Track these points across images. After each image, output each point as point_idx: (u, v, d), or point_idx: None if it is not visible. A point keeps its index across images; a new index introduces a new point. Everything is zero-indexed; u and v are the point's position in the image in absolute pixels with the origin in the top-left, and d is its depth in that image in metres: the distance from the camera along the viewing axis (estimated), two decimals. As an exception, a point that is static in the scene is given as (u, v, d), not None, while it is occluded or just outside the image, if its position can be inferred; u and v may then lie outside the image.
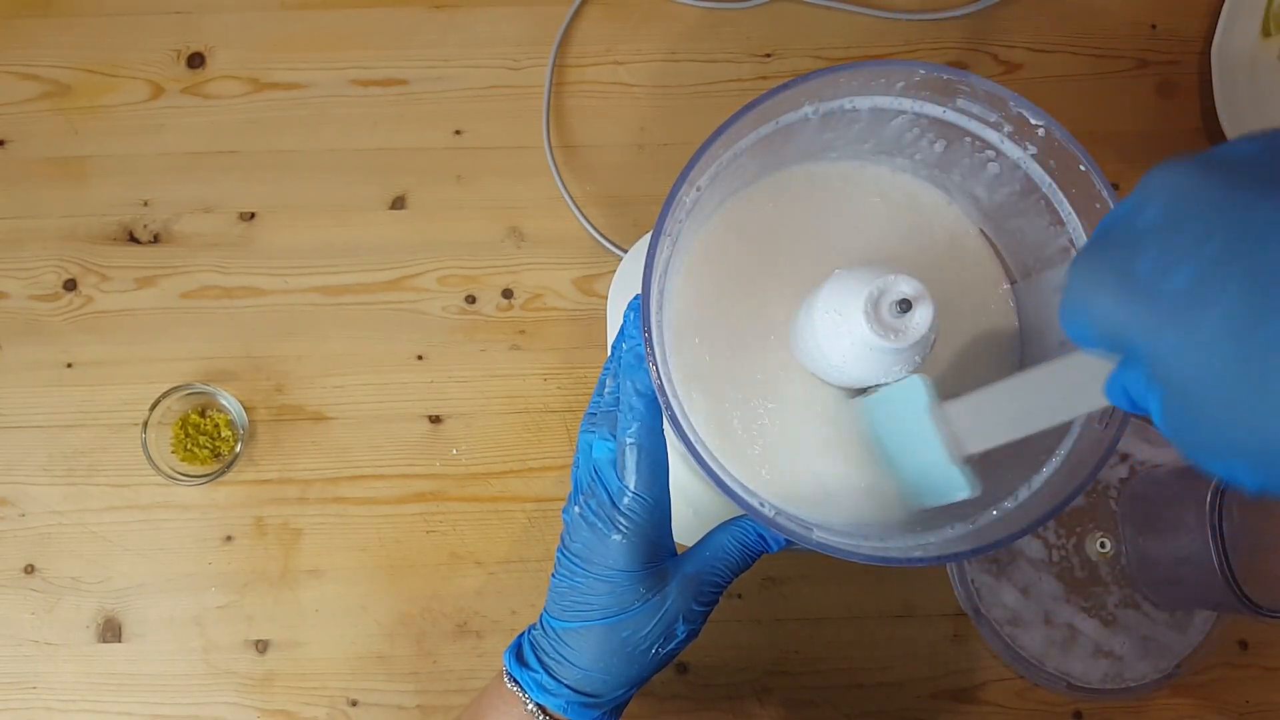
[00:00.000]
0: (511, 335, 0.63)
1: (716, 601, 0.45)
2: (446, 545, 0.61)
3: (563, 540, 0.45)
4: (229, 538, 0.61)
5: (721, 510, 0.50)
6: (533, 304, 0.64)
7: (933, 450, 0.40)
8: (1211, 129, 0.66)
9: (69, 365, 0.62)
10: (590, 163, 0.66)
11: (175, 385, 0.61)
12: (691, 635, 0.45)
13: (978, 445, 0.39)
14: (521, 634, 0.47)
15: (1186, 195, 0.26)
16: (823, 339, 0.40)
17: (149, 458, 0.59)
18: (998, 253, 0.47)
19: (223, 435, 0.61)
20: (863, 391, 0.43)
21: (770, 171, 0.46)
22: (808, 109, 0.43)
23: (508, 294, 0.64)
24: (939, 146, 0.45)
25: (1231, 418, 0.24)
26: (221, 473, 0.60)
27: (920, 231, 0.47)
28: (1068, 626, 0.60)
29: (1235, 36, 0.65)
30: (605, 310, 0.60)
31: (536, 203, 0.65)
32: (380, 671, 0.60)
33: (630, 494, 0.42)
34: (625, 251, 0.61)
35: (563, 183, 0.64)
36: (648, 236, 0.42)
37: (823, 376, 0.43)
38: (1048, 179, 0.43)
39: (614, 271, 0.59)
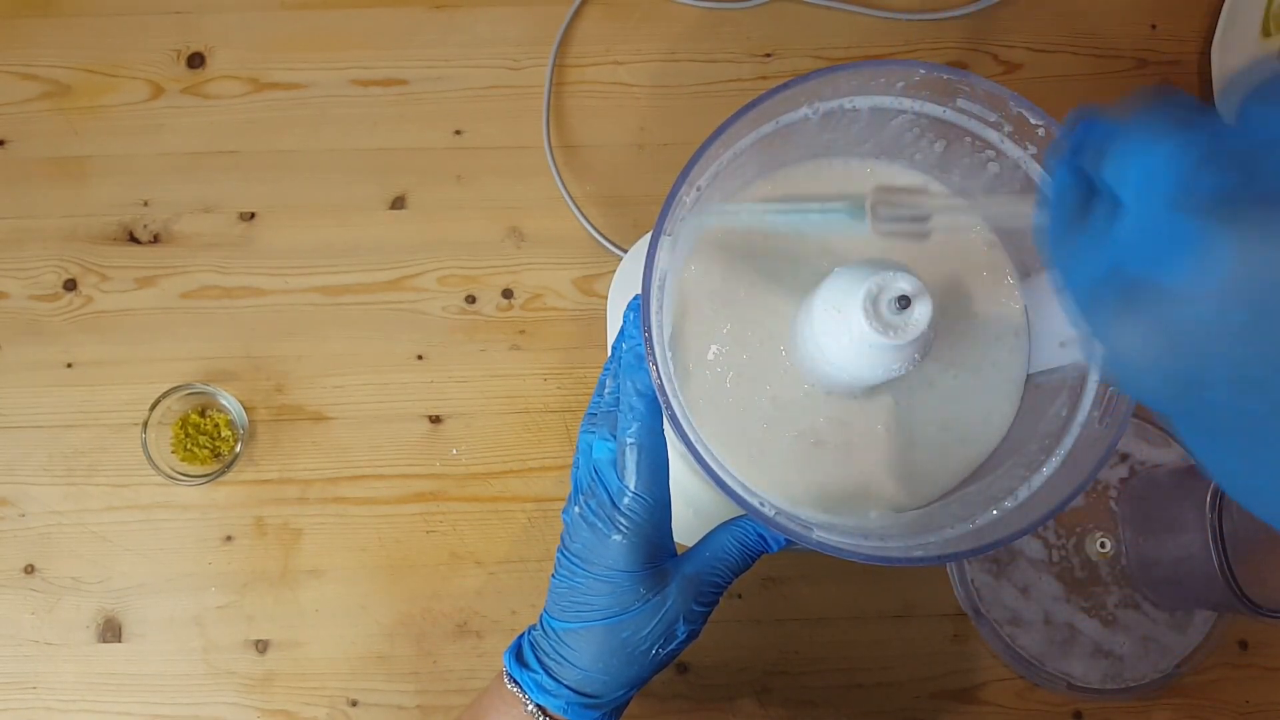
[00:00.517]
0: (511, 335, 0.63)
1: (717, 602, 0.45)
2: (446, 545, 0.61)
3: (563, 541, 0.45)
4: (229, 538, 0.61)
5: (721, 510, 0.50)
6: (533, 304, 0.64)
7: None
8: (1211, 129, 0.66)
9: (69, 365, 0.62)
10: (590, 163, 0.66)
11: (175, 385, 0.61)
12: (692, 636, 0.45)
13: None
14: (521, 634, 0.47)
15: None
16: (822, 336, 0.40)
17: (149, 458, 0.59)
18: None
19: (223, 435, 0.61)
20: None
21: (770, 172, 0.46)
22: (807, 109, 0.43)
23: (508, 294, 0.64)
24: (939, 146, 0.45)
25: None
26: (221, 473, 0.60)
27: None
28: (1068, 626, 0.60)
29: (1235, 36, 0.65)
30: (605, 310, 0.60)
31: (536, 203, 0.65)
32: (380, 671, 0.60)
33: (630, 494, 0.42)
34: (625, 251, 0.61)
35: (563, 183, 0.64)
36: (648, 236, 0.42)
37: (823, 374, 0.43)
38: (1048, 179, 0.43)
39: (614, 271, 0.59)
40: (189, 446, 0.61)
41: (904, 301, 0.38)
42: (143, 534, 0.61)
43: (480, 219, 0.65)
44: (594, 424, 0.45)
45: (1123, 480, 0.61)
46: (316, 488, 0.62)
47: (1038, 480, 0.41)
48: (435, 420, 0.63)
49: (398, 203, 0.65)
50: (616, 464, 0.43)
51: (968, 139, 0.44)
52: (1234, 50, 0.65)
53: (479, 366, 0.63)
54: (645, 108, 0.66)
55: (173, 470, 0.60)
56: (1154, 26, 0.68)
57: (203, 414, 0.62)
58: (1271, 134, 0.24)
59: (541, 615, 0.46)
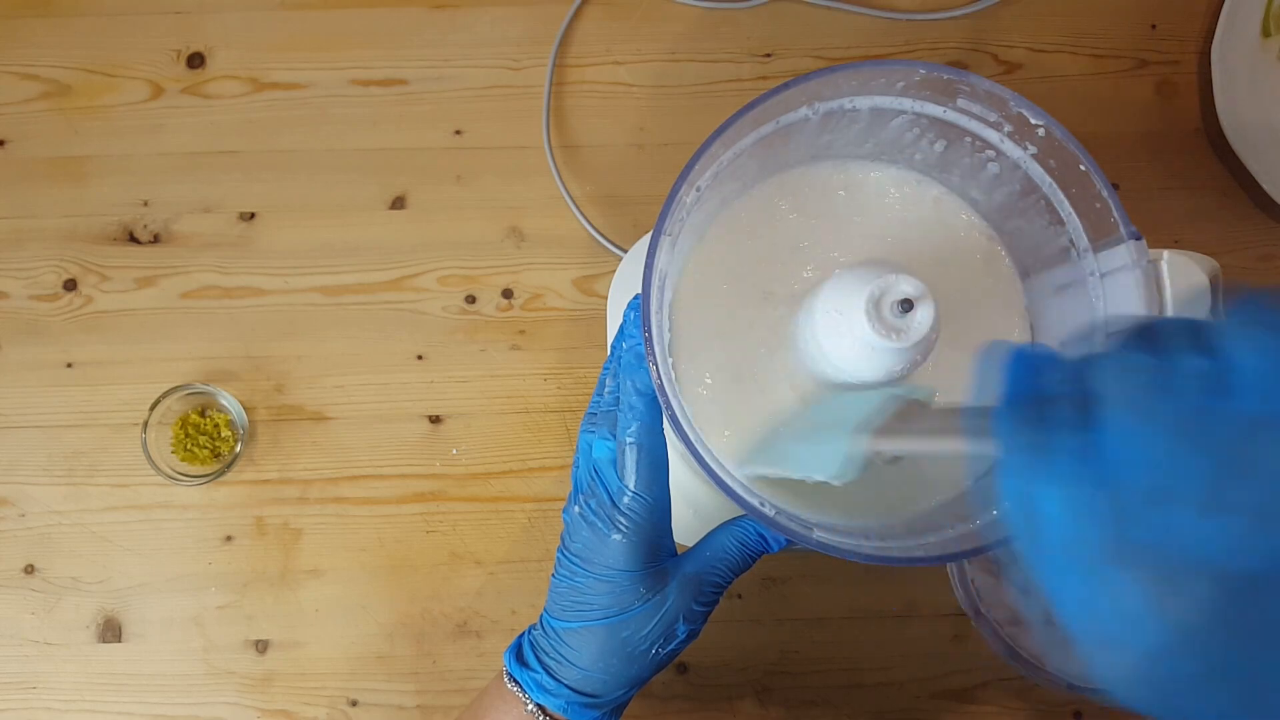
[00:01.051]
0: (511, 335, 0.63)
1: (717, 602, 0.45)
2: (446, 545, 0.61)
3: (563, 540, 0.45)
4: (229, 538, 0.61)
5: (721, 510, 0.50)
6: (533, 304, 0.64)
7: (849, 418, 0.38)
8: (1211, 129, 0.66)
9: (69, 365, 0.62)
10: (590, 163, 0.66)
11: (175, 385, 0.61)
12: (692, 635, 0.45)
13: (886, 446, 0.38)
14: (521, 634, 0.47)
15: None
16: (824, 339, 0.40)
17: (149, 458, 0.59)
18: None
19: (223, 435, 0.61)
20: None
21: (770, 172, 0.46)
22: (807, 109, 0.43)
23: (508, 294, 0.64)
24: (939, 146, 0.45)
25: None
26: (221, 473, 0.60)
27: (924, 230, 0.47)
28: (1068, 626, 0.60)
29: (1235, 36, 0.65)
30: (605, 310, 0.60)
31: (536, 203, 0.65)
32: (380, 671, 0.60)
33: (630, 494, 0.42)
34: (625, 251, 0.61)
35: (563, 183, 0.64)
36: (648, 236, 0.42)
37: (824, 376, 0.43)
38: (1048, 179, 0.43)
39: (614, 271, 0.59)
40: (189, 446, 0.61)
41: (906, 304, 0.38)
42: (143, 534, 0.61)
43: (480, 219, 0.65)
44: (594, 423, 0.45)
45: (1123, 480, 0.61)
46: (316, 488, 0.62)
47: (1038, 480, 0.41)
48: (435, 420, 0.63)
49: (398, 203, 0.65)
50: (616, 463, 0.43)
51: (968, 139, 0.44)
52: (1234, 50, 0.65)
53: (479, 366, 0.63)
54: (645, 108, 0.66)
55: (173, 470, 0.60)
56: (1154, 26, 0.68)
57: (203, 414, 0.62)
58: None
59: (542, 615, 0.46)
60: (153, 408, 0.60)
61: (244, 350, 0.63)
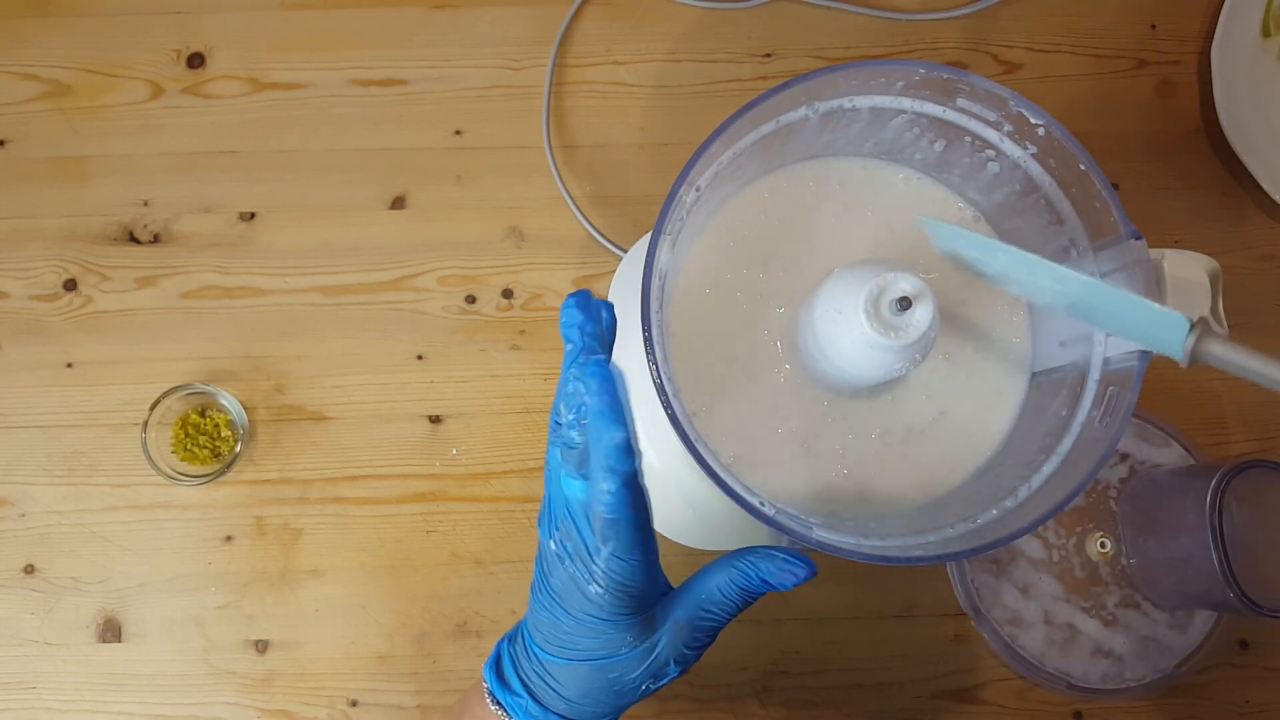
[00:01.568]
0: (511, 335, 0.63)
1: (711, 644, 0.42)
2: (446, 545, 0.61)
3: (539, 564, 0.41)
4: (229, 538, 0.61)
5: (722, 510, 0.50)
6: (533, 304, 0.64)
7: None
8: (1211, 129, 0.66)
9: (69, 365, 0.62)
10: (590, 163, 0.66)
11: (175, 385, 0.61)
12: (685, 671, 0.42)
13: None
14: (499, 644, 0.44)
15: None
16: (823, 338, 0.40)
17: (149, 458, 0.59)
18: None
19: (223, 435, 0.61)
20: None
21: (770, 172, 0.46)
22: (807, 109, 0.43)
23: (508, 294, 0.64)
24: (939, 146, 0.45)
25: None
26: (221, 473, 0.60)
27: (924, 229, 0.47)
28: (1068, 626, 0.60)
29: (1235, 36, 0.65)
30: (605, 310, 0.60)
31: (536, 203, 0.65)
32: (380, 671, 0.60)
33: (607, 554, 0.37)
34: (625, 251, 0.61)
35: (563, 183, 0.64)
36: (648, 236, 0.42)
37: (823, 375, 0.43)
38: (1048, 178, 0.43)
39: (614, 271, 0.59)
40: (189, 446, 0.61)
41: (905, 303, 0.38)
42: (143, 534, 0.61)
43: (480, 219, 0.65)
44: (559, 436, 0.38)
45: (1123, 480, 0.61)
46: (316, 488, 0.62)
47: (1038, 480, 0.41)
48: (435, 420, 0.63)
49: (398, 203, 0.65)
50: (590, 516, 0.37)
51: (967, 138, 0.44)
52: (1234, 50, 0.65)
53: (479, 366, 0.63)
54: (645, 108, 0.66)
55: (173, 470, 0.60)
56: (1154, 26, 0.68)
57: (203, 414, 0.62)
58: None
59: (522, 629, 0.43)
60: (153, 408, 0.60)
61: (244, 350, 0.63)
